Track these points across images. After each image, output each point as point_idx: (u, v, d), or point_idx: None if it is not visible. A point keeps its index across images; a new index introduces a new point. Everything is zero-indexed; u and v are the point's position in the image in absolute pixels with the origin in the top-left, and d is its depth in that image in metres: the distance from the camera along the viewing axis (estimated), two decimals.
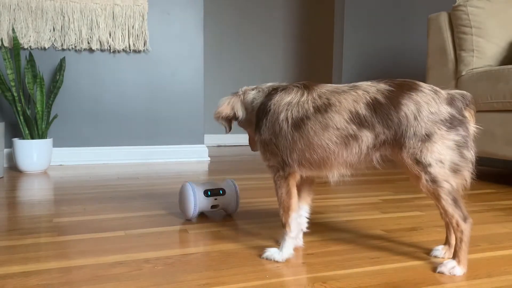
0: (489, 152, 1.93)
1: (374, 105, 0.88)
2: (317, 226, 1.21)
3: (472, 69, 2.05)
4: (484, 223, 1.27)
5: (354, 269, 0.90)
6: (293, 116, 0.93)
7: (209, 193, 1.26)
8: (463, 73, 2.07)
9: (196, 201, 1.23)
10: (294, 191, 0.97)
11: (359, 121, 0.89)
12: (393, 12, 3.23)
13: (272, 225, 1.23)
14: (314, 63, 4.22)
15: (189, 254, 0.98)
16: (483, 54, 2.05)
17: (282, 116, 0.94)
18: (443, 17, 2.19)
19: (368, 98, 0.89)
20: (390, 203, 1.53)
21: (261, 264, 0.92)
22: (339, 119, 0.90)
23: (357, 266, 0.91)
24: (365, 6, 3.14)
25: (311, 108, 0.92)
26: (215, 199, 1.27)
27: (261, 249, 1.01)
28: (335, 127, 0.90)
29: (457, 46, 2.11)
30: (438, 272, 0.87)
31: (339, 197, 1.62)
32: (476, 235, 1.15)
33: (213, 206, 1.27)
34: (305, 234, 1.13)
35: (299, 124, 0.93)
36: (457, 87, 2.10)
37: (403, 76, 3.31)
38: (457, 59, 2.11)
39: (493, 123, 1.91)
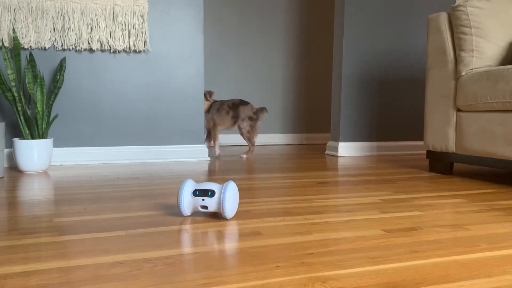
0: (489, 152, 1.93)
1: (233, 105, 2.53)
2: (317, 226, 1.21)
3: (472, 69, 2.05)
4: (484, 223, 1.27)
5: (354, 269, 0.90)
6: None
7: (197, 192, 1.25)
8: (463, 73, 2.07)
9: (183, 198, 1.24)
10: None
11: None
12: (393, 12, 3.23)
13: (272, 224, 1.23)
14: (314, 63, 4.22)
15: (189, 254, 0.98)
16: (482, 54, 2.05)
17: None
18: (443, 18, 2.19)
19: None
20: (390, 203, 1.53)
21: (261, 264, 0.92)
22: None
23: (357, 266, 0.91)
24: (364, 6, 3.14)
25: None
26: (203, 199, 1.24)
27: (261, 249, 1.01)
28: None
29: (457, 46, 2.12)
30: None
31: (339, 197, 1.62)
32: (476, 235, 1.15)
33: (202, 207, 1.25)
34: (305, 234, 1.14)
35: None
36: (457, 87, 2.11)
37: (403, 76, 3.30)
38: (457, 59, 2.11)
39: (493, 123, 1.91)
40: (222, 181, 1.97)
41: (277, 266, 0.91)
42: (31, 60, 2.24)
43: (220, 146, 3.93)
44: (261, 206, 1.46)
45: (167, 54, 2.66)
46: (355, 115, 3.20)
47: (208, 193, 1.24)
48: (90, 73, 2.53)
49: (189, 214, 1.29)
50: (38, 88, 2.24)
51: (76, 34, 2.45)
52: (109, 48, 2.52)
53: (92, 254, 0.97)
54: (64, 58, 2.39)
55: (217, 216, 1.32)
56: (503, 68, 1.87)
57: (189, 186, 1.26)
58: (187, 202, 1.25)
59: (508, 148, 1.84)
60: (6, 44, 2.34)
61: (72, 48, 2.47)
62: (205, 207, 1.25)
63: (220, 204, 1.23)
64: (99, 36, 2.48)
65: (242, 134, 2.85)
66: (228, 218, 1.27)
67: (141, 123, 2.64)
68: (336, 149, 3.18)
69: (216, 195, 1.24)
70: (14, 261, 0.93)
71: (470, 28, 2.05)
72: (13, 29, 2.26)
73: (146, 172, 2.23)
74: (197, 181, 1.96)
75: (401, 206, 1.48)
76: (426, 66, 2.31)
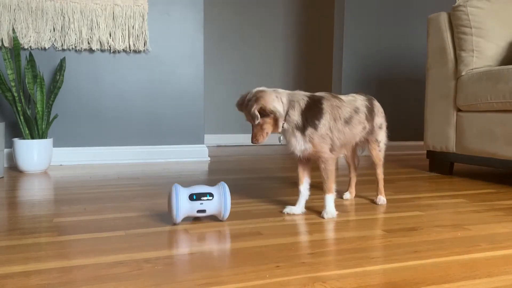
0: (489, 152, 1.93)
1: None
2: (317, 226, 1.21)
3: (472, 69, 2.05)
4: (484, 223, 1.27)
5: (354, 269, 0.90)
6: None
7: (194, 197, 1.19)
8: (463, 73, 2.07)
9: (179, 205, 1.17)
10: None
11: None
12: (393, 12, 3.23)
13: (272, 224, 1.23)
14: (314, 63, 4.22)
15: (189, 254, 0.98)
16: (483, 54, 2.05)
17: None
18: (443, 17, 2.19)
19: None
20: (390, 203, 1.53)
21: (261, 264, 0.92)
22: None
23: (357, 266, 0.91)
24: (365, 6, 3.14)
25: None
26: (201, 203, 1.19)
27: (261, 249, 1.01)
28: None
29: (457, 46, 2.11)
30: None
31: (339, 197, 1.62)
32: (476, 235, 1.15)
33: (199, 211, 1.20)
34: (305, 234, 1.14)
35: None
36: (457, 87, 2.11)
37: (403, 75, 3.30)
38: (457, 59, 2.11)
39: (493, 123, 1.91)
40: (227, 181, 1.96)
41: (277, 266, 0.91)
42: (31, 60, 2.24)
43: (219, 146, 3.92)
44: (261, 206, 1.46)
45: (167, 54, 2.66)
46: None
47: (207, 196, 1.19)
48: (90, 73, 2.53)
49: (180, 221, 1.21)
50: (38, 88, 2.24)
51: (76, 34, 2.45)
52: (109, 48, 2.52)
53: (92, 254, 0.97)
54: (64, 58, 2.38)
55: (212, 218, 1.32)
56: (503, 68, 1.87)
57: (183, 191, 1.19)
58: (183, 208, 1.18)
59: (508, 148, 1.84)
60: (6, 44, 2.34)
61: (72, 48, 2.47)
62: (202, 211, 1.20)
63: (222, 205, 1.21)
64: (99, 36, 2.48)
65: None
66: (225, 219, 1.25)
67: (141, 123, 2.64)
68: None
69: (216, 197, 1.20)
70: (14, 261, 0.93)
71: (470, 28, 2.05)
72: (13, 29, 2.26)
73: (146, 172, 2.23)
74: (196, 181, 1.96)
75: (401, 206, 1.48)
76: (426, 66, 2.31)
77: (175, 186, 1.20)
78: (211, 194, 1.20)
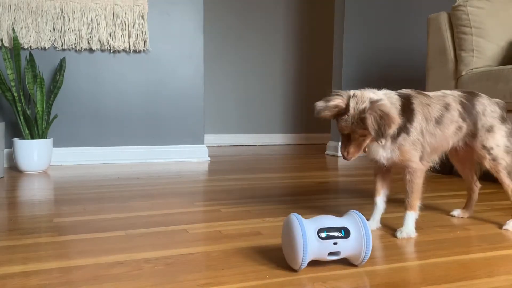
0: None
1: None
2: None
3: (472, 69, 2.05)
4: (484, 223, 1.27)
5: (354, 269, 0.90)
6: None
7: (324, 233, 0.85)
8: (463, 73, 2.07)
9: (307, 245, 0.83)
10: None
11: None
12: (393, 12, 3.23)
13: (272, 224, 1.23)
14: (314, 63, 4.22)
15: (189, 254, 0.98)
16: (483, 54, 2.05)
17: None
18: (443, 17, 2.19)
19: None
20: (390, 203, 1.53)
21: (261, 264, 0.92)
22: None
23: (357, 266, 0.91)
24: (365, 6, 3.14)
25: None
26: (335, 243, 0.85)
27: (261, 249, 1.01)
28: None
29: (457, 46, 2.11)
30: (505, 229, 1.20)
31: (339, 197, 1.62)
32: (476, 235, 1.15)
33: (331, 253, 0.86)
34: None
35: None
36: (457, 87, 2.11)
37: (404, 75, 3.30)
38: (457, 59, 2.11)
39: None
40: (227, 181, 1.96)
41: (277, 266, 0.91)
42: (31, 60, 2.24)
43: (219, 146, 3.92)
44: (261, 206, 1.46)
45: (167, 54, 2.66)
46: None
47: (341, 232, 0.86)
48: (90, 73, 2.53)
49: (304, 266, 0.87)
50: (38, 88, 2.24)
51: (76, 34, 2.45)
52: (109, 48, 2.52)
53: (92, 254, 0.97)
54: (64, 58, 2.38)
55: (217, 216, 1.32)
56: (503, 68, 1.87)
57: (308, 225, 0.85)
58: (311, 249, 0.84)
59: None
60: (6, 44, 2.34)
61: (72, 48, 2.47)
62: (336, 253, 0.86)
63: (362, 245, 0.86)
64: (99, 36, 2.48)
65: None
66: (363, 263, 0.90)
67: (141, 123, 2.64)
68: (336, 149, 3.18)
69: (354, 234, 0.86)
70: (14, 261, 0.93)
71: (470, 28, 2.05)
72: (13, 29, 2.26)
73: (146, 172, 2.23)
74: (196, 181, 1.96)
75: (401, 206, 1.47)
76: (426, 66, 2.31)
77: (296, 217, 0.86)
78: (346, 230, 0.87)
